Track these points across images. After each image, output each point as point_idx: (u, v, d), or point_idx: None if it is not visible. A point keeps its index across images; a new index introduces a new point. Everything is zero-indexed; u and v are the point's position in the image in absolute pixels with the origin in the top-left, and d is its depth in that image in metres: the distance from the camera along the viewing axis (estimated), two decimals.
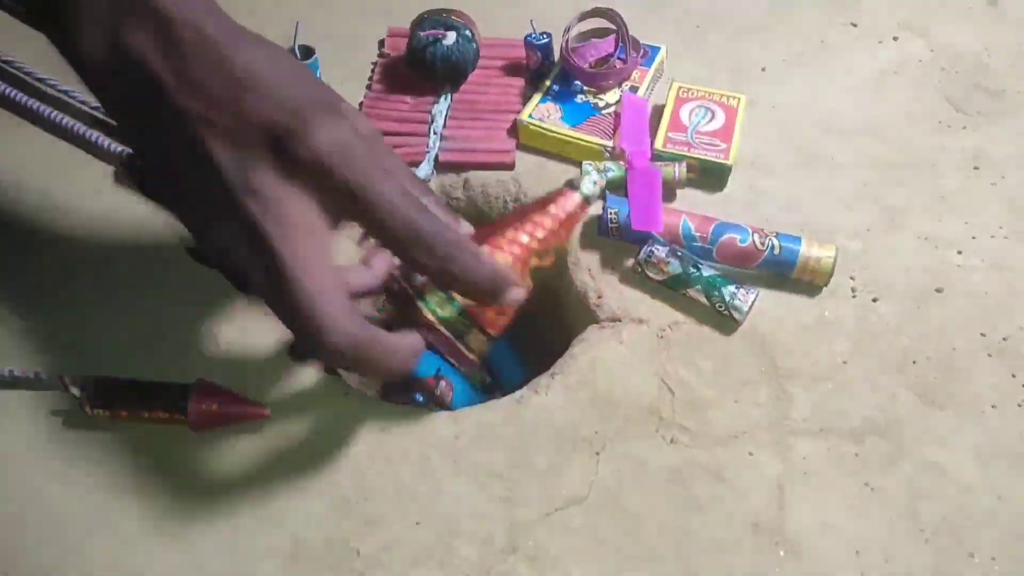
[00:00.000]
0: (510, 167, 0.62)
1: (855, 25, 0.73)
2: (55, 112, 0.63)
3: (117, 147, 0.61)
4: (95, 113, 0.63)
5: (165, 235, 0.57)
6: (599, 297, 0.55)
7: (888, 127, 0.65)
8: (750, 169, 0.61)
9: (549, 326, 0.64)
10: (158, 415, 0.47)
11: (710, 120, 0.62)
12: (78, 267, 0.55)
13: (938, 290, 0.54)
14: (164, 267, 0.55)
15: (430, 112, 0.64)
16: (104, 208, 0.59)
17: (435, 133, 0.63)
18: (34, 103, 0.64)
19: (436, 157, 0.62)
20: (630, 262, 0.56)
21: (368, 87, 0.68)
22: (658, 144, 0.60)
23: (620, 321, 0.54)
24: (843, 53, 0.71)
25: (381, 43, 0.72)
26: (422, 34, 0.63)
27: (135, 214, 0.58)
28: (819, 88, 0.68)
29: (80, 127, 0.63)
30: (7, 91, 0.64)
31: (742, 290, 0.51)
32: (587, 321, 0.56)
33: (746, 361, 0.51)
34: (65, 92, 0.65)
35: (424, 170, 0.61)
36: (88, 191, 0.60)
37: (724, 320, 0.52)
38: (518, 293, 0.38)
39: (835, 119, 0.65)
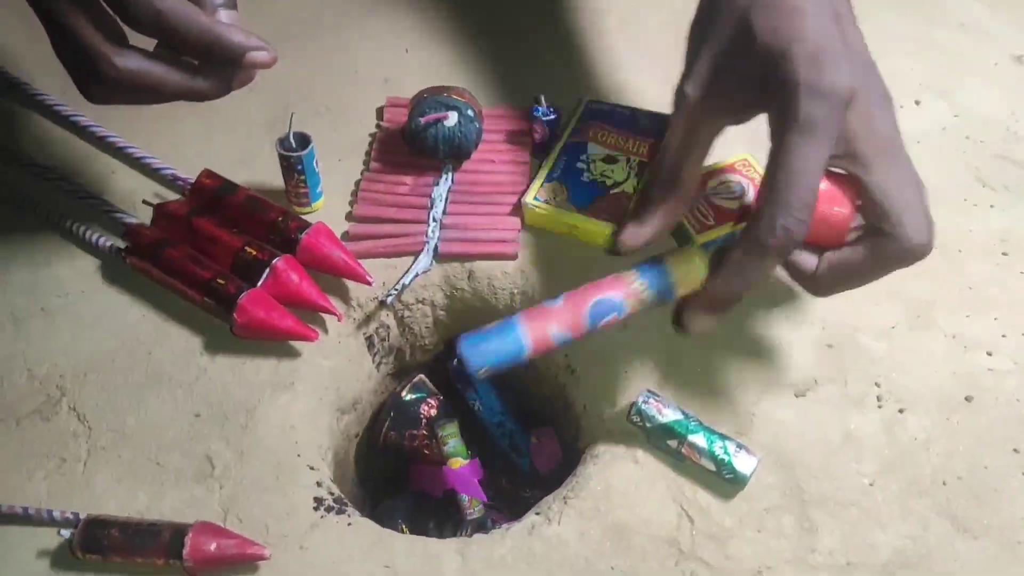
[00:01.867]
0: (512, 258, 0.59)
1: None
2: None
3: (107, 240, 0.59)
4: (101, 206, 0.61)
5: (157, 338, 0.55)
6: (612, 407, 0.53)
7: None
8: None
9: (559, 418, 0.62)
10: (153, 561, 0.44)
11: (739, 196, 0.59)
12: (68, 376, 0.53)
13: (968, 399, 0.52)
14: (154, 380, 0.53)
15: (430, 196, 0.61)
16: (92, 308, 0.56)
17: (435, 220, 0.60)
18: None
19: (436, 247, 0.59)
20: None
21: (365, 164, 0.65)
22: None
23: (635, 435, 0.51)
24: None
25: (379, 113, 0.69)
26: (422, 120, 0.60)
27: (127, 316, 0.56)
28: None
29: (69, 221, 0.60)
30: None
31: (743, 452, 0.48)
32: (599, 431, 0.53)
33: (768, 482, 0.49)
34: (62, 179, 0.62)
35: (423, 262, 0.58)
36: (73, 289, 0.57)
37: (742, 434, 0.50)
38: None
39: None
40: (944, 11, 0.77)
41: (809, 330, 0.55)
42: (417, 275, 0.58)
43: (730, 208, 0.59)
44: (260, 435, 0.51)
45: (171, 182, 0.62)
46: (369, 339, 0.60)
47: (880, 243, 0.42)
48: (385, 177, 0.63)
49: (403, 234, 0.60)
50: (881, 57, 0.73)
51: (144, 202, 0.60)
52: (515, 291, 0.59)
